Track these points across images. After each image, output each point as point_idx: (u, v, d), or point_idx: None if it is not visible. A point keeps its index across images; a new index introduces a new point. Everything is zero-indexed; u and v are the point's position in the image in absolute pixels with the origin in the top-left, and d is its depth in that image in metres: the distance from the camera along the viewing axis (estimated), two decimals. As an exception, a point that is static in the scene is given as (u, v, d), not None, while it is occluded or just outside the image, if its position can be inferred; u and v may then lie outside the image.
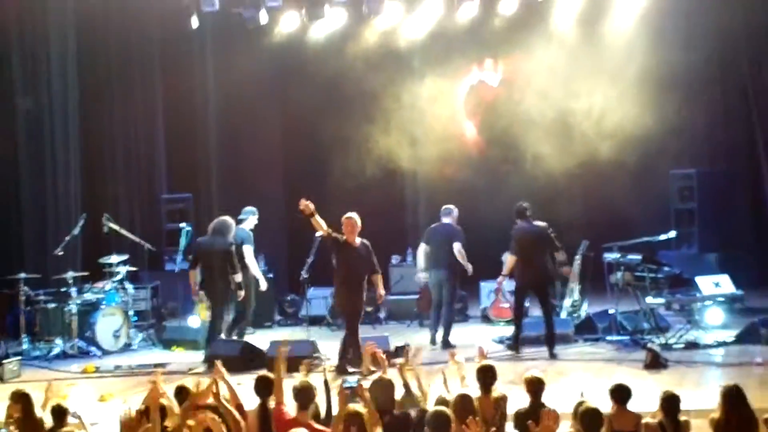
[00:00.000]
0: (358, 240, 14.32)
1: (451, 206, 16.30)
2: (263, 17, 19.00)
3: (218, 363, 9.58)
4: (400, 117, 19.35)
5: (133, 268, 17.77)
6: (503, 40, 19.85)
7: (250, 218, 16.87)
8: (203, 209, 20.58)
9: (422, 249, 16.39)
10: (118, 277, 17.21)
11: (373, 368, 10.24)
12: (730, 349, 14.56)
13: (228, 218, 15.95)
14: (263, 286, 16.58)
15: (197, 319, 17.24)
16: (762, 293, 17.65)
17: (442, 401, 9.04)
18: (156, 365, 14.83)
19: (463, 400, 8.67)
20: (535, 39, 18.99)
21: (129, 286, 17.39)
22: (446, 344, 15.49)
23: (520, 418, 8.83)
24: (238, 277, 15.48)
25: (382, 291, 14.65)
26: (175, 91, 20.38)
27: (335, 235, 14.14)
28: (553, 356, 14.55)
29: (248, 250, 16.37)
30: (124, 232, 18.01)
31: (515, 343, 15.03)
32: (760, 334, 14.57)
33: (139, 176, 20.78)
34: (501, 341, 15.74)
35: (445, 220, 16.20)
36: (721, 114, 19.73)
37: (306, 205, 13.62)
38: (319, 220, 13.88)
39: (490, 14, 19.20)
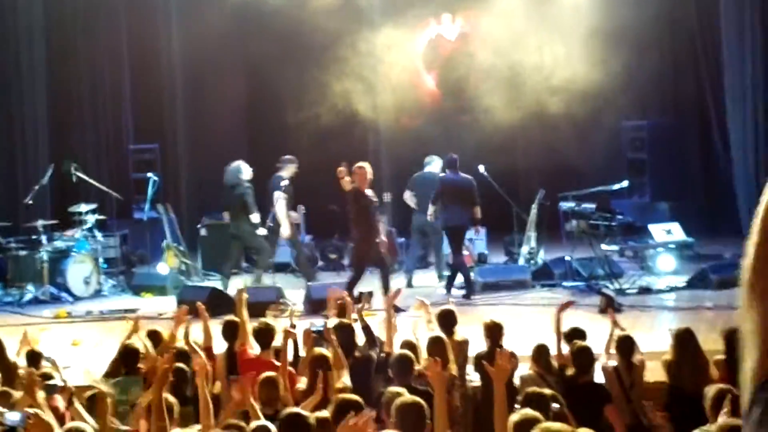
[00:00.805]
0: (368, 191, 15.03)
1: (434, 156, 16.85)
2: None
3: (200, 306, 10.00)
4: (360, 68, 19.41)
5: (102, 217, 18.00)
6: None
7: (288, 166, 17.23)
8: (170, 159, 20.82)
9: (407, 195, 17.06)
10: (88, 225, 17.45)
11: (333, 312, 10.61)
12: (682, 293, 14.96)
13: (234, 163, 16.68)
14: (284, 232, 16.95)
15: (165, 266, 17.63)
16: (711, 240, 17.93)
17: (407, 344, 9.48)
18: (126, 310, 15.19)
19: (436, 342, 9.13)
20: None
21: (98, 234, 17.62)
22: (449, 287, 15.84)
23: (480, 360, 9.13)
24: (254, 218, 16.23)
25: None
26: (140, 44, 20.44)
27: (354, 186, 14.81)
28: (467, 297, 15.21)
29: (276, 196, 16.75)
30: (92, 181, 18.29)
31: (449, 285, 15.66)
32: (710, 279, 14.92)
33: (107, 127, 20.87)
34: (461, 287, 16.15)
35: (429, 168, 16.73)
36: (671, 67, 19.90)
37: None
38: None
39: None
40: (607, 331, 9.85)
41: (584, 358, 8.97)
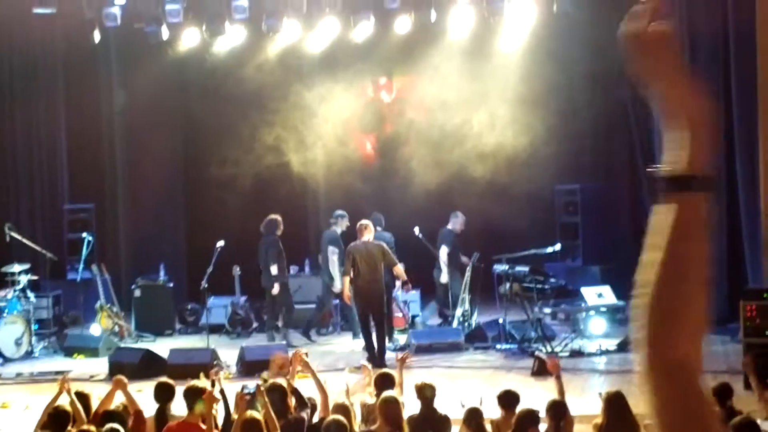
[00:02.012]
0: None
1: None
2: (165, 32, 19.04)
3: (120, 377, 9.97)
4: (299, 132, 19.56)
5: (35, 277, 17.84)
6: (397, 58, 20.29)
7: (340, 221, 17.64)
8: (106, 219, 20.73)
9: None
10: (20, 285, 17.27)
11: (265, 376, 10.57)
12: (613, 357, 15.05)
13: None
14: (336, 287, 17.24)
15: (98, 327, 17.54)
16: (642, 304, 18.14)
17: (340, 408, 9.49)
18: (57, 372, 15.05)
19: (389, 402, 9.14)
20: (427, 58, 19.39)
21: (30, 295, 17.45)
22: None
23: (412, 423, 9.16)
24: (273, 270, 16.69)
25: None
26: (78, 103, 20.42)
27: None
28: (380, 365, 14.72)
29: (330, 251, 17.32)
30: (26, 241, 18.18)
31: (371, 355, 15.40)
32: (641, 342, 15.13)
33: (42, 186, 20.76)
34: (395, 349, 16.19)
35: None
36: (604, 132, 20.20)
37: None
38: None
39: (386, 33, 19.48)
40: (540, 394, 9.90)
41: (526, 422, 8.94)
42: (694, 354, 1.96)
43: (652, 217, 2.01)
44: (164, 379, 10.20)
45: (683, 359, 1.94)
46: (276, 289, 17.11)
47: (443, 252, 17.64)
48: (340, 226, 17.61)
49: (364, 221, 16.30)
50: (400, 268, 16.09)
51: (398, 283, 16.97)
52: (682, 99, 1.99)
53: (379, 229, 17.15)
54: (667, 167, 1.98)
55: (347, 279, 15.81)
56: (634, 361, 2.02)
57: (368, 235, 16.04)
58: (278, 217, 17.45)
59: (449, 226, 17.91)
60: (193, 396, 9.29)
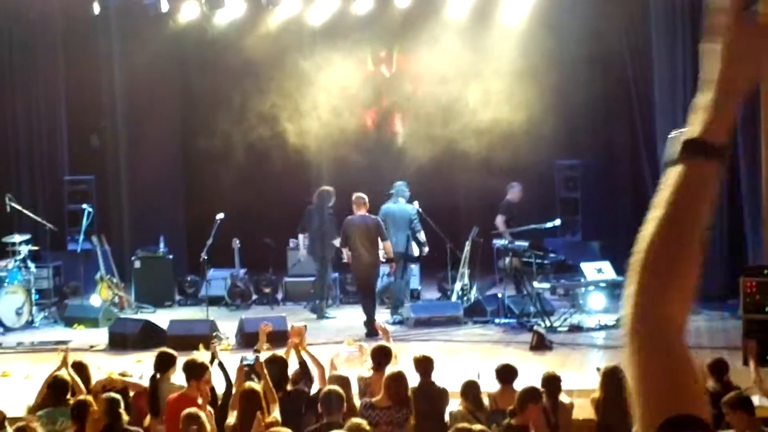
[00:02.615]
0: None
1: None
2: (164, 5, 18.97)
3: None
4: (298, 104, 19.57)
5: (35, 248, 17.90)
6: (398, 32, 20.21)
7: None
8: (107, 191, 20.72)
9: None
10: (21, 256, 17.32)
11: (266, 346, 10.61)
12: (611, 332, 15.00)
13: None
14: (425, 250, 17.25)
15: (98, 298, 17.60)
16: (641, 279, 18.20)
17: (337, 379, 9.54)
18: (58, 342, 15.12)
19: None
20: (428, 32, 19.24)
21: (31, 265, 17.50)
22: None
23: (411, 395, 9.25)
24: (337, 242, 16.86)
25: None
26: (78, 75, 20.30)
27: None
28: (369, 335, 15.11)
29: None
30: (26, 211, 18.22)
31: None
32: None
33: (42, 158, 20.66)
34: (394, 323, 16.29)
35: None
36: (604, 107, 20.16)
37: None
38: None
39: (386, 6, 19.44)
40: (538, 369, 9.93)
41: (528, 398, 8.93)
42: (681, 314, 1.99)
43: (664, 178, 2.05)
44: (165, 348, 10.29)
45: (669, 316, 1.97)
46: (346, 257, 16.79)
47: (499, 220, 17.79)
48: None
49: (361, 195, 16.43)
50: (389, 245, 16.25)
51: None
52: (734, 70, 2.03)
53: (402, 200, 17.19)
54: (686, 131, 2.03)
55: (346, 250, 16.15)
56: (621, 318, 2.04)
57: (364, 210, 16.19)
58: (331, 189, 17.41)
59: (508, 197, 18.14)
60: (191, 371, 9.34)
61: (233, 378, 9.62)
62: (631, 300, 2.00)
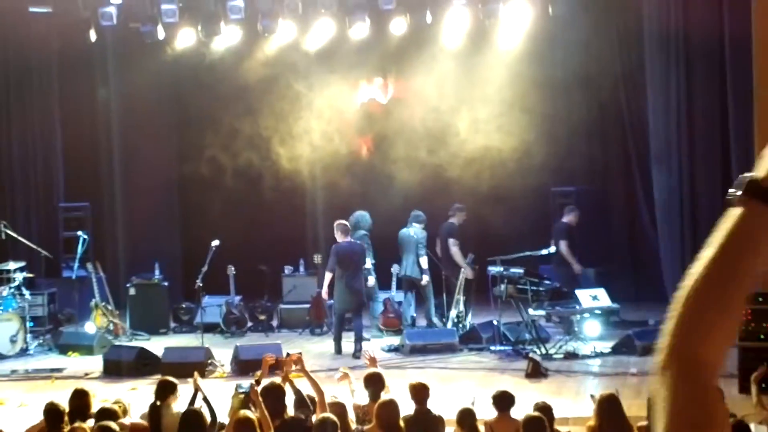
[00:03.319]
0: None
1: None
2: (160, 32, 18.97)
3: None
4: (294, 131, 19.59)
5: (30, 275, 17.89)
6: (394, 59, 20.24)
7: (458, 214, 17.93)
8: (102, 217, 20.71)
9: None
10: (15, 283, 17.29)
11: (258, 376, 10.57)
12: (607, 359, 15.10)
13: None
14: (469, 274, 17.32)
15: (93, 325, 17.57)
16: (636, 306, 18.14)
17: (335, 406, 9.50)
18: (52, 370, 15.12)
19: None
20: (423, 59, 19.30)
21: (26, 292, 17.45)
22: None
23: (406, 424, 9.15)
24: (424, 262, 17.32)
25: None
26: (74, 102, 20.35)
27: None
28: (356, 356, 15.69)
29: (451, 243, 17.62)
30: (21, 238, 18.21)
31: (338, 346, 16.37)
32: (635, 345, 15.10)
33: (37, 184, 20.63)
34: (390, 350, 16.30)
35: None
36: (600, 134, 20.20)
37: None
38: None
39: (382, 34, 19.42)
40: (533, 396, 9.92)
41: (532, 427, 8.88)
42: (715, 356, 1.97)
43: (724, 218, 2.00)
44: (167, 377, 10.35)
45: (702, 356, 1.96)
46: (425, 280, 17.42)
47: (563, 246, 17.87)
48: (458, 218, 17.90)
49: (343, 222, 16.93)
50: (372, 279, 17.46)
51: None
52: None
53: (417, 225, 17.56)
54: (752, 174, 1.99)
55: (329, 275, 16.54)
56: (656, 351, 2.01)
57: (347, 237, 16.66)
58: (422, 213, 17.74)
59: (564, 219, 18.20)
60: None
61: (217, 409, 9.60)
62: (667, 335, 1.99)
